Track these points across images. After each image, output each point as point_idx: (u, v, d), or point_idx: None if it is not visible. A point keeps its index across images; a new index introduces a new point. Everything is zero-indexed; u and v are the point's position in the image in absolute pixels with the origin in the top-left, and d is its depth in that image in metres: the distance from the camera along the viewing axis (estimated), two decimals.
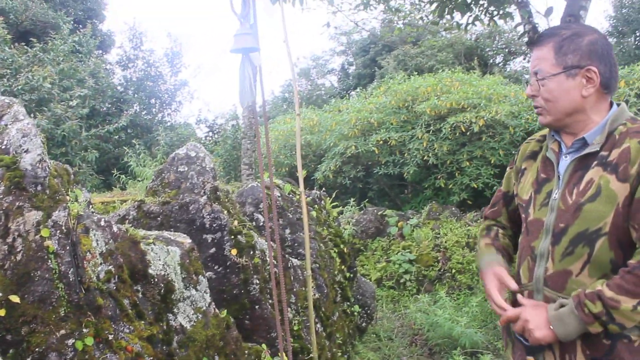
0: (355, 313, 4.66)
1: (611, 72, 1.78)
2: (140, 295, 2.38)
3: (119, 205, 4.21)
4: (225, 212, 3.42)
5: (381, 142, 9.75)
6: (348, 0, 10.46)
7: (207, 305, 2.72)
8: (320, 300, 3.90)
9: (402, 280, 6.58)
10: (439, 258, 6.68)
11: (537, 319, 1.74)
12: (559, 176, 1.83)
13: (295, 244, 4.13)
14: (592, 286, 1.67)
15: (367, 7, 7.82)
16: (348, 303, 4.54)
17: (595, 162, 1.73)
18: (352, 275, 4.74)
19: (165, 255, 2.55)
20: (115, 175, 8.11)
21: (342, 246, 4.56)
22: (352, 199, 8.43)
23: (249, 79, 2.06)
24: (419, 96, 10.52)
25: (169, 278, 2.53)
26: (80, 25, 14.35)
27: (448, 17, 7.61)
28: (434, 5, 7.58)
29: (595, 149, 1.74)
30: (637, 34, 18.01)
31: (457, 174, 8.83)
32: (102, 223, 2.30)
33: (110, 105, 12.56)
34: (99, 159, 10.78)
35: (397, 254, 6.80)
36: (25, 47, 10.77)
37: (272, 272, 2.62)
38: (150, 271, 2.45)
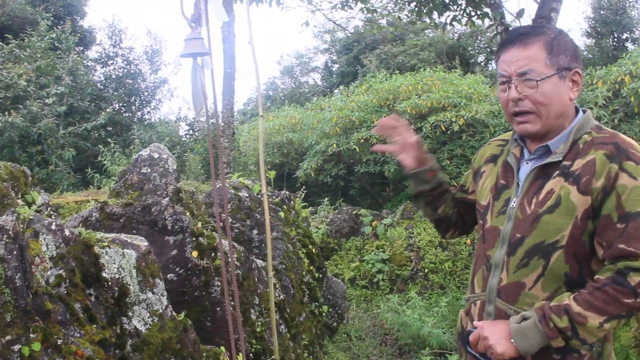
0: (324, 313, 4.67)
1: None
2: (93, 299, 2.37)
3: (93, 204, 4.19)
4: (188, 213, 3.41)
5: (362, 140, 9.79)
6: None
7: (163, 308, 2.72)
8: (286, 302, 3.91)
9: (375, 280, 6.61)
10: (412, 257, 6.72)
11: (497, 334, 1.68)
12: (518, 183, 1.78)
13: (263, 245, 4.14)
14: (557, 299, 1.63)
15: (344, 6, 7.83)
16: (316, 303, 4.56)
17: (557, 172, 1.68)
18: (321, 276, 4.76)
19: (120, 258, 2.55)
20: (89, 174, 8.06)
21: (310, 247, 4.57)
22: (327, 198, 8.46)
23: (201, 83, 2.06)
24: (400, 95, 10.58)
25: (124, 281, 2.52)
26: (61, 22, 14.22)
27: (427, 17, 7.67)
28: (413, 4, 7.63)
29: (558, 158, 1.69)
30: (615, 35, 18.21)
31: None
32: (53, 227, 2.29)
33: (89, 103, 12.46)
34: (76, 157, 10.70)
35: (370, 253, 6.83)
36: (1, 43, 10.65)
37: (230, 274, 2.62)
38: (104, 275, 2.44)
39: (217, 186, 4.29)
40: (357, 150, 9.90)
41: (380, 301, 6.17)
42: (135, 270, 2.62)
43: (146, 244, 2.77)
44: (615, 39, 18.24)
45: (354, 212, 7.44)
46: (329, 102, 13.26)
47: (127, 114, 13.91)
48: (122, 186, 3.49)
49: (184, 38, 2.00)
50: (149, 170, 3.43)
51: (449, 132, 9.14)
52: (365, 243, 7.10)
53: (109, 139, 10.36)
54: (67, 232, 2.35)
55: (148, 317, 2.61)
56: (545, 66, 1.67)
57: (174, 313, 2.80)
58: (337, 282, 5.36)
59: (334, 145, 10.00)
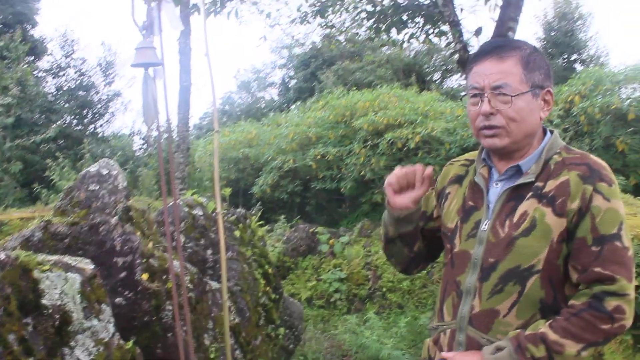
0: (281, 336, 4.53)
1: None
2: (30, 329, 2.19)
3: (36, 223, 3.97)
4: (139, 233, 3.24)
5: (319, 156, 9.75)
6: (286, 14, 10.44)
7: (110, 336, 2.55)
8: (241, 325, 3.76)
9: (332, 299, 6.50)
10: (369, 276, 6.64)
11: None
12: (488, 205, 1.69)
13: (217, 266, 3.98)
14: (532, 327, 1.55)
15: (303, 21, 7.78)
16: (273, 326, 4.41)
17: (530, 193, 1.61)
18: (277, 297, 4.62)
19: (62, 283, 2.37)
20: (36, 189, 7.75)
21: (267, 267, 4.43)
22: (283, 216, 8.35)
23: (152, 95, 1.92)
24: (357, 111, 10.58)
25: (66, 308, 2.34)
26: (10, 30, 13.76)
27: (385, 34, 7.68)
28: (371, 21, 7.64)
29: (530, 179, 1.62)
30: (565, 56, 18.73)
31: None
32: None
33: (38, 115, 12.05)
34: (24, 171, 10.30)
35: (327, 272, 6.73)
36: None
37: (183, 297, 2.47)
38: (44, 301, 2.26)
39: (169, 204, 4.12)
40: (314, 166, 9.84)
41: (338, 321, 6.06)
42: (79, 295, 2.44)
43: (92, 266, 2.60)
44: (565, 60, 18.76)
45: (310, 230, 7.34)
46: (286, 118, 13.20)
47: (79, 127, 13.52)
48: (68, 204, 3.29)
49: (135, 47, 1.87)
50: (98, 187, 3.25)
51: (405, 148, 9.16)
52: (322, 262, 6.99)
53: (58, 153, 10.01)
54: (2, 256, 2.16)
55: (93, 347, 2.43)
56: (520, 82, 1.61)
57: (121, 341, 2.62)
58: (294, 302, 5.22)
59: (291, 161, 9.92)
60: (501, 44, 1.66)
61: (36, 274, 2.28)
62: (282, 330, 4.48)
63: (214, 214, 4.20)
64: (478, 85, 1.64)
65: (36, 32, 16.02)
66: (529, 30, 34.71)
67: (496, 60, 1.62)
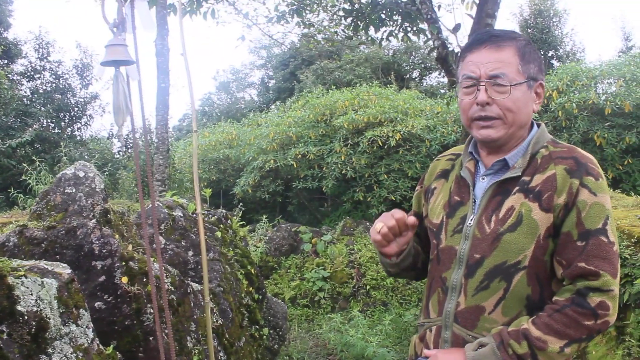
0: (265, 336, 4.49)
1: None
2: (5, 337, 2.12)
3: (11, 228, 3.88)
4: (118, 236, 3.18)
5: (300, 156, 9.72)
6: (263, 14, 10.39)
7: (89, 341, 2.49)
8: (225, 326, 3.71)
9: (316, 298, 6.47)
10: (353, 274, 6.62)
11: None
12: (474, 200, 1.67)
13: (199, 267, 3.93)
14: (515, 323, 1.53)
15: (280, 20, 7.74)
16: (257, 326, 4.37)
17: (516, 188, 1.58)
18: (260, 297, 4.58)
19: (38, 289, 2.31)
20: (12, 194, 7.61)
21: (249, 267, 4.39)
22: (265, 216, 8.31)
23: (124, 94, 1.87)
24: (337, 110, 10.58)
25: (43, 314, 2.28)
26: None
27: (363, 32, 7.67)
28: (349, 20, 7.62)
29: (517, 173, 1.59)
30: (542, 52, 18.90)
31: (375, 187, 8.90)
32: None
33: (14, 119, 11.85)
34: (0, 175, 10.13)
35: (311, 271, 6.69)
36: None
37: (164, 300, 2.43)
38: (19, 308, 2.19)
39: (147, 206, 4.06)
40: (295, 165, 9.81)
41: (322, 320, 6.03)
42: (56, 301, 2.38)
43: (69, 271, 2.53)
44: (542, 56, 18.92)
45: (293, 230, 7.30)
46: (266, 118, 13.16)
47: (56, 131, 13.34)
48: (44, 207, 3.22)
49: (105, 44, 1.82)
50: (74, 190, 3.18)
51: (385, 146, 9.18)
52: (305, 261, 6.96)
53: (34, 157, 9.86)
54: None
55: (71, 353, 2.37)
56: (517, 72, 1.58)
57: (101, 347, 2.56)
58: (278, 302, 5.18)
59: (271, 161, 9.88)
60: (497, 33, 1.63)
61: (10, 280, 2.21)
62: (265, 330, 4.44)
63: (194, 215, 4.15)
64: (474, 74, 1.60)
65: (10, 35, 15.80)
66: (506, 27, 35.06)
67: (494, 48, 1.59)
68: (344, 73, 17.99)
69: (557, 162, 1.57)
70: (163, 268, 3.31)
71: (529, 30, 18.85)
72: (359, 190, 9.23)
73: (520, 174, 1.60)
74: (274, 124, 11.07)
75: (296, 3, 7.72)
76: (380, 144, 9.13)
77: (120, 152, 13.35)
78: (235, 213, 5.71)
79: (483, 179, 1.68)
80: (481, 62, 1.59)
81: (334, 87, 14.35)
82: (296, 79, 20.17)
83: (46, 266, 2.49)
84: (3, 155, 10.60)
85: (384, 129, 9.13)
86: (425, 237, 1.88)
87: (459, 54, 1.74)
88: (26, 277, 2.29)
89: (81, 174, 3.22)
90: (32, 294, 2.27)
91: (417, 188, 1.96)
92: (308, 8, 8.24)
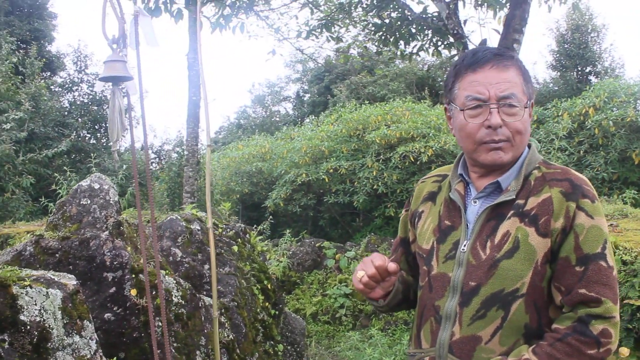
0: (280, 353, 4.46)
1: None
2: (6, 346, 2.15)
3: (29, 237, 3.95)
4: (130, 248, 3.21)
5: (332, 170, 9.73)
6: (294, 28, 10.46)
7: (92, 353, 2.50)
8: (237, 341, 3.69)
9: (337, 315, 6.41)
10: None
11: None
12: (467, 225, 1.59)
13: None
14: (515, 353, 1.46)
15: (309, 35, 7.77)
16: (271, 342, 4.34)
17: (511, 212, 1.52)
18: (277, 313, 4.55)
19: (42, 299, 2.33)
20: (43, 203, 7.79)
21: (266, 282, 4.37)
22: (289, 230, 8.30)
23: (119, 109, 1.88)
24: (370, 125, 10.57)
25: (46, 324, 2.30)
26: (27, 46, 13.95)
27: (393, 46, 7.65)
28: (379, 34, 7.61)
29: (511, 196, 1.52)
30: (579, 69, 18.58)
31: None
32: None
33: (52, 129, 12.15)
34: (36, 184, 10.37)
35: (333, 287, 6.64)
36: None
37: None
38: (22, 318, 2.22)
39: (166, 219, 4.09)
40: (326, 180, 9.82)
41: (342, 338, 5.97)
42: (60, 311, 2.40)
43: (74, 282, 2.55)
44: (579, 72, 18.60)
45: (317, 245, 7.27)
46: (299, 132, 13.21)
47: (92, 141, 13.63)
48: (60, 218, 3.27)
49: (104, 60, 1.84)
50: (89, 202, 3.22)
51: (417, 162, 9.11)
52: (328, 277, 6.92)
53: (68, 167, 10.09)
54: None
55: None
56: (522, 93, 1.54)
57: (104, 358, 2.57)
58: (296, 318, 5.15)
59: (303, 174, 9.90)
60: (499, 52, 1.57)
61: (15, 289, 2.24)
62: (281, 346, 4.41)
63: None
64: (482, 95, 1.52)
65: (53, 48, 16.27)
66: (542, 42, 34.54)
67: (500, 68, 1.52)
68: (378, 88, 17.96)
69: (552, 184, 1.51)
70: (175, 281, 3.32)
71: (566, 46, 18.53)
72: (390, 206, 9.18)
73: (514, 197, 1.53)
74: (307, 138, 11.11)
75: (326, 18, 7.74)
76: (412, 160, 9.07)
77: (153, 164, 13.55)
78: (254, 228, 5.70)
79: (475, 202, 1.61)
80: (489, 82, 1.52)
81: (368, 101, 14.34)
82: (330, 93, 20.23)
83: (52, 277, 2.52)
84: (40, 165, 10.85)
85: (416, 145, 9.07)
86: (414, 262, 1.82)
87: (451, 70, 1.68)
88: (31, 287, 2.31)
89: (96, 186, 3.26)
90: (36, 304, 2.29)
91: (402, 212, 1.89)
92: (339, 23, 8.26)
